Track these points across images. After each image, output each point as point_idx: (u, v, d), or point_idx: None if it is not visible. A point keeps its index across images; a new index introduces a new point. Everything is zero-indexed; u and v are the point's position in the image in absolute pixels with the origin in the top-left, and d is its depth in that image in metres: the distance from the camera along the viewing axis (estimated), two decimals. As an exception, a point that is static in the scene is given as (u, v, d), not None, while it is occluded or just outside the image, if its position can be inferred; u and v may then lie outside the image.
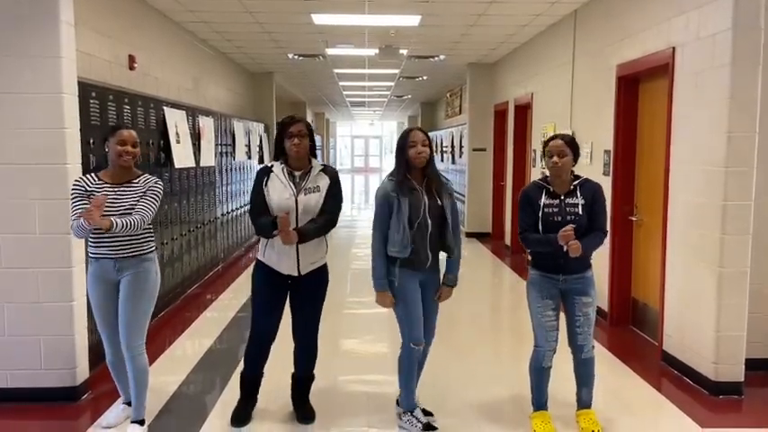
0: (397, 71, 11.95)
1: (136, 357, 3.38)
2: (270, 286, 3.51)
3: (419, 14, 6.96)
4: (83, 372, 3.95)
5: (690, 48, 4.30)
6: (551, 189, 3.43)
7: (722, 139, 3.91)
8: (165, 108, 5.94)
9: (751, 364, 4.07)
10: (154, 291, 3.47)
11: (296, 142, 3.38)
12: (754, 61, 3.84)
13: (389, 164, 35.83)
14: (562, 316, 3.48)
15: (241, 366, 3.68)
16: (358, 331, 5.31)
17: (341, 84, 14.18)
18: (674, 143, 4.53)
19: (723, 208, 3.92)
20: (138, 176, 3.45)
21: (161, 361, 4.69)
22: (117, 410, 3.63)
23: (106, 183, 3.36)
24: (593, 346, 3.47)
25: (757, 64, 3.84)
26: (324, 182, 3.46)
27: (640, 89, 5.36)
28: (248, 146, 9.69)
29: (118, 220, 3.20)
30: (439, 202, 3.42)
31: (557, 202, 3.39)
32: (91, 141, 4.40)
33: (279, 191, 3.41)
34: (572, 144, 3.42)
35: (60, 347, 3.84)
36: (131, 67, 5.79)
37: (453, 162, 12.93)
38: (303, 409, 3.65)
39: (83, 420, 3.68)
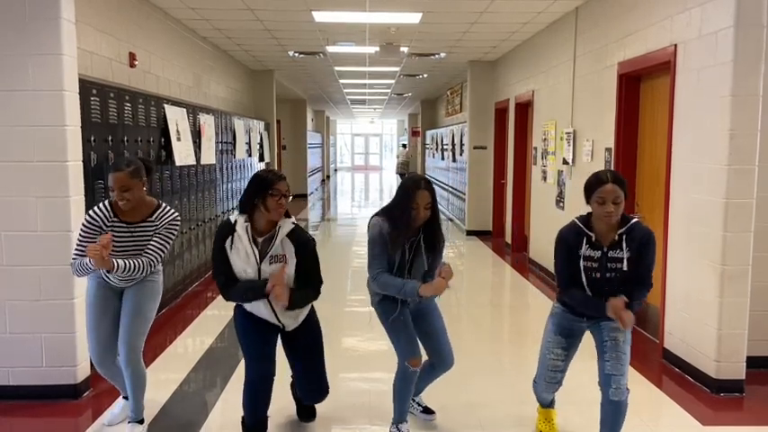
0: (397, 69, 11.94)
1: (135, 363, 3.32)
2: (256, 329, 3.20)
3: (420, 12, 6.95)
4: (84, 369, 3.95)
5: (692, 45, 4.29)
6: (593, 238, 2.95)
7: (724, 136, 3.91)
8: (165, 106, 5.93)
9: (752, 362, 4.07)
10: (157, 301, 3.44)
11: (281, 202, 3.04)
12: (756, 59, 3.83)
13: (389, 162, 35.65)
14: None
15: (241, 370, 3.42)
16: (359, 329, 5.31)
17: (341, 81, 14.16)
18: (675, 141, 4.52)
19: (725, 206, 3.91)
20: (155, 211, 3.30)
21: (162, 359, 4.69)
22: (119, 405, 3.60)
23: (122, 221, 3.23)
24: (628, 389, 2.97)
25: (759, 61, 3.84)
26: (289, 249, 3.09)
27: (642, 87, 5.36)
28: (249, 144, 9.69)
29: (120, 263, 3.10)
30: (425, 260, 3.22)
31: (598, 254, 2.93)
32: (92, 139, 4.40)
33: (241, 258, 3.07)
34: (622, 182, 2.91)
35: (61, 345, 3.84)
36: (132, 65, 5.79)
37: (454, 160, 12.92)
38: (305, 408, 3.63)
39: (84, 417, 3.68)
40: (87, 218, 3.23)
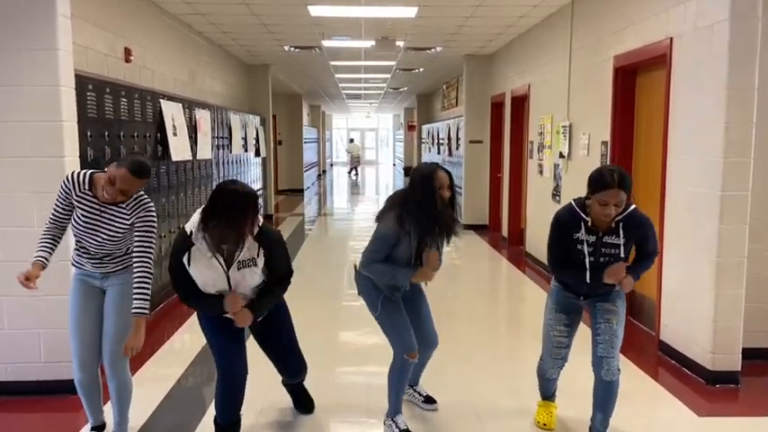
0: (393, 63, 11.92)
1: (120, 373, 3.11)
2: (223, 326, 3.08)
3: (416, 6, 6.94)
4: (82, 365, 3.94)
5: (687, 38, 4.30)
6: (589, 223, 2.97)
7: (720, 129, 3.92)
8: (161, 101, 5.92)
9: (748, 354, 4.09)
10: None
11: (257, 220, 2.88)
12: (751, 51, 3.84)
13: (385, 157, 35.54)
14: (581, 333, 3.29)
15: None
16: (355, 323, 5.31)
17: (337, 76, 14.14)
18: (671, 134, 4.53)
19: (720, 198, 3.93)
20: (127, 198, 3.02)
21: (160, 354, 4.70)
22: None
23: (95, 197, 3.01)
24: (619, 369, 3.06)
25: (755, 54, 3.85)
26: (258, 252, 2.95)
27: (638, 80, 5.37)
28: (245, 139, 9.68)
29: (141, 305, 2.91)
30: (438, 246, 3.20)
31: (593, 239, 2.96)
32: (88, 134, 4.39)
33: (203, 268, 2.88)
34: (628, 184, 2.87)
35: (59, 340, 3.83)
36: (127, 60, 5.77)
37: (450, 154, 12.92)
38: (302, 400, 3.65)
39: (82, 413, 3.67)
40: (62, 182, 3.04)
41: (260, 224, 2.96)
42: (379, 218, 3.22)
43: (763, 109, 4.01)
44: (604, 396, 3.08)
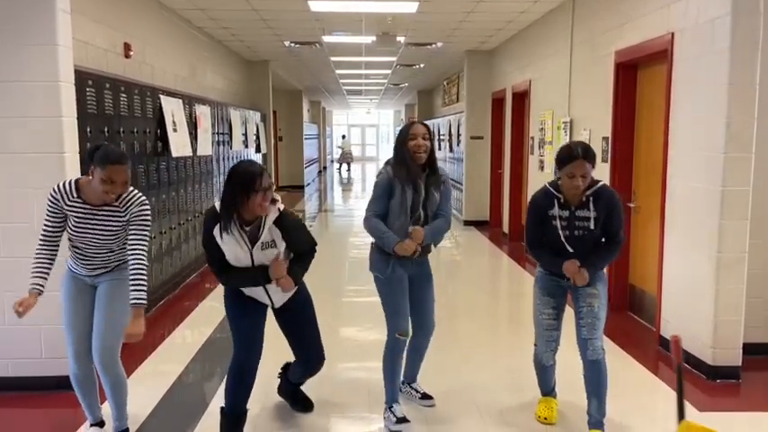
0: (394, 59, 11.91)
1: (111, 367, 3.09)
2: (247, 312, 3.20)
3: (416, 1, 6.92)
4: (83, 360, 3.94)
5: (689, 33, 4.29)
6: (562, 200, 3.15)
7: (721, 124, 3.91)
8: (161, 96, 5.91)
9: (749, 349, 4.10)
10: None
11: (267, 195, 2.96)
12: (753, 46, 3.83)
13: (386, 153, 35.77)
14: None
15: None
16: (357, 319, 5.32)
17: (337, 72, 14.12)
18: (672, 129, 4.52)
19: (721, 194, 3.92)
20: (120, 195, 3.01)
21: (161, 350, 4.70)
22: None
23: (85, 203, 3.01)
24: (604, 350, 3.17)
25: (756, 49, 3.83)
26: (277, 234, 3.06)
27: (639, 75, 5.35)
28: (245, 135, 9.67)
29: (139, 296, 2.92)
30: (437, 196, 3.40)
31: (566, 214, 3.14)
32: (88, 130, 4.39)
33: (231, 245, 3.01)
34: (592, 156, 3.07)
35: (60, 336, 3.81)
36: (127, 56, 5.76)
37: (451, 150, 12.91)
38: (300, 400, 3.65)
39: (82, 410, 3.68)
40: (49, 196, 3.02)
41: (281, 209, 3.07)
42: (378, 174, 3.46)
43: (765, 104, 4.00)
44: (594, 379, 3.18)
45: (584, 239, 3.15)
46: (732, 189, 3.91)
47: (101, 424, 3.30)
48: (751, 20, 3.82)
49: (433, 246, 3.52)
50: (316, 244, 3.28)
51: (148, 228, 3.07)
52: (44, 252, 3.05)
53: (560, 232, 3.14)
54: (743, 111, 3.87)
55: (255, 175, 2.90)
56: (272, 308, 3.30)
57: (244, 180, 2.91)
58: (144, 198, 3.09)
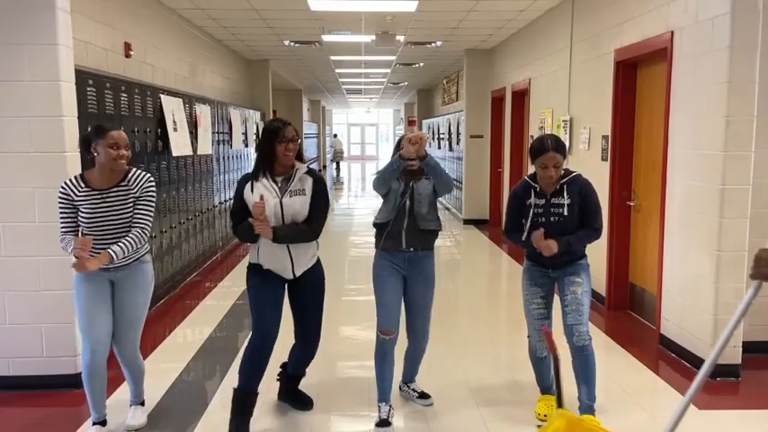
0: (393, 58, 11.91)
1: (134, 361, 3.36)
2: (268, 286, 3.37)
3: (416, 0, 6.92)
4: (84, 359, 3.96)
5: (688, 32, 4.30)
6: (538, 188, 3.35)
7: (720, 123, 3.92)
8: (161, 96, 5.92)
9: (749, 347, 4.10)
10: (151, 290, 3.34)
11: (290, 147, 3.26)
12: (752, 45, 3.84)
13: (386, 152, 35.75)
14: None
15: (237, 365, 3.43)
16: (357, 317, 5.32)
17: (337, 71, 14.12)
18: (672, 128, 4.53)
19: (721, 192, 3.93)
20: (127, 175, 3.20)
21: (161, 349, 4.71)
22: None
23: (94, 189, 3.13)
24: (590, 336, 3.27)
25: (755, 47, 3.84)
26: (308, 184, 3.32)
27: (639, 74, 5.36)
28: (245, 134, 9.67)
29: (116, 249, 3.04)
30: (430, 186, 3.43)
31: (542, 201, 3.33)
32: (88, 130, 4.38)
33: (262, 191, 3.28)
34: (563, 148, 3.28)
35: (61, 335, 3.85)
36: (127, 55, 5.76)
37: (450, 149, 12.91)
38: (299, 399, 3.66)
39: (84, 408, 3.68)
40: (59, 193, 3.15)
41: (308, 167, 3.37)
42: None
43: (764, 102, 4.01)
44: (582, 365, 3.25)
45: (560, 225, 3.28)
46: (732, 187, 3.92)
47: (103, 423, 3.31)
48: (750, 18, 3.82)
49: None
50: (320, 230, 3.41)
51: (153, 204, 3.26)
52: (70, 234, 3.14)
53: (538, 219, 3.32)
54: (742, 109, 3.87)
55: (280, 128, 3.25)
56: (290, 284, 3.41)
57: (270, 132, 3.27)
58: (150, 175, 3.29)
